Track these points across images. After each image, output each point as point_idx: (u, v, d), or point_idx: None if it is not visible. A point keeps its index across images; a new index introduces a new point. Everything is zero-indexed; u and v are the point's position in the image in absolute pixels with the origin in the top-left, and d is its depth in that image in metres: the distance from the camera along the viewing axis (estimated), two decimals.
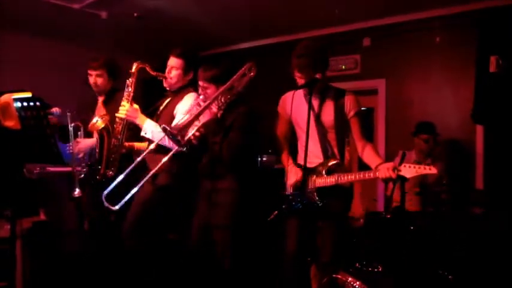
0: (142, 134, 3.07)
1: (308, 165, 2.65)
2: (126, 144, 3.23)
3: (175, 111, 3.12)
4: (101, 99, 3.54)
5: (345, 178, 2.68)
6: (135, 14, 4.84)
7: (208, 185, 2.94)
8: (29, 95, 2.52)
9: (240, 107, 2.86)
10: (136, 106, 3.10)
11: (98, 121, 3.05)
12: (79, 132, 3.29)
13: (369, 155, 2.72)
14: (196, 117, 2.53)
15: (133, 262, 3.14)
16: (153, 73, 3.14)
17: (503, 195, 3.39)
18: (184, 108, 2.98)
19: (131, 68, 3.13)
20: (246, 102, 2.92)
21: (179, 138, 2.43)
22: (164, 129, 2.43)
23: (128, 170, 2.82)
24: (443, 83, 4.70)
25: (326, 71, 2.76)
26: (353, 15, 4.94)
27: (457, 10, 4.47)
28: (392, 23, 4.94)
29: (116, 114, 3.10)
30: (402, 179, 3.71)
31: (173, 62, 3.18)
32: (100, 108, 3.49)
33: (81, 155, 3.23)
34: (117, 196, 2.79)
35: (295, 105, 2.81)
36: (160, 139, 2.92)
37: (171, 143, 2.90)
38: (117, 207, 2.67)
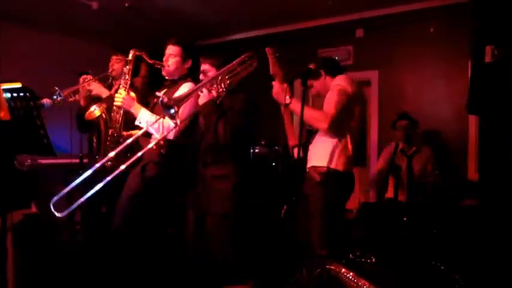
0: (136, 123, 3.02)
1: None
2: (125, 133, 3.18)
3: None
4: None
5: None
6: (126, 4, 4.80)
7: (205, 172, 2.91)
8: (18, 85, 2.47)
9: (240, 94, 2.84)
10: (133, 95, 3.03)
11: (95, 109, 3.00)
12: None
13: None
14: (195, 91, 2.49)
15: (127, 254, 3.13)
16: (150, 61, 3.07)
17: (496, 187, 3.40)
18: None
19: (128, 56, 3.06)
20: (246, 92, 2.91)
21: (175, 109, 2.34)
22: (161, 101, 2.35)
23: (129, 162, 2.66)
24: (436, 75, 4.71)
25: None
26: (346, 6, 4.92)
27: (450, 1, 4.47)
28: (385, 14, 4.94)
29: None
30: (395, 169, 3.74)
31: (170, 49, 3.13)
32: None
33: None
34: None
35: None
36: (154, 130, 2.88)
37: (165, 131, 2.89)
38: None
